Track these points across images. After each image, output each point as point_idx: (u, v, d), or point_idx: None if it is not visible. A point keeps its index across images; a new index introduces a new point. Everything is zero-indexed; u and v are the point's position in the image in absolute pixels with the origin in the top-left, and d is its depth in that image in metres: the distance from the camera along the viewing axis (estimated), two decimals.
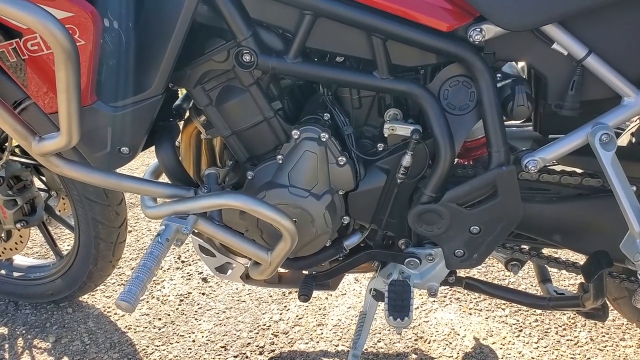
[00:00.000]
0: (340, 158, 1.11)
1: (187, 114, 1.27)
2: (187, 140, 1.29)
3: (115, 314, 1.73)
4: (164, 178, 1.24)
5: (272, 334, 1.60)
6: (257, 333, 1.61)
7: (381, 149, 1.14)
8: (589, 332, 1.58)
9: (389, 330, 1.59)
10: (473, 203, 1.10)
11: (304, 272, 1.34)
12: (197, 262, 1.96)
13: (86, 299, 1.80)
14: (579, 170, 1.15)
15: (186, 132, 1.28)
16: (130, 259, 2.01)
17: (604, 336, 1.57)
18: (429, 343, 1.55)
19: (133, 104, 1.03)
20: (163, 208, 1.08)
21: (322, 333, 1.60)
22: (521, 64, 1.25)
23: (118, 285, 1.88)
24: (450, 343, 1.54)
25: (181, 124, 1.27)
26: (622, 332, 1.58)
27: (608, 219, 1.08)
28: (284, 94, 1.16)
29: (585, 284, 1.24)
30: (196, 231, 1.13)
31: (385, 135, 1.11)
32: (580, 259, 1.75)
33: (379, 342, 1.55)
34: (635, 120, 1.23)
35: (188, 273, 1.93)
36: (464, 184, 1.08)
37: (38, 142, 1.00)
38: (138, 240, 2.13)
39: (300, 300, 1.21)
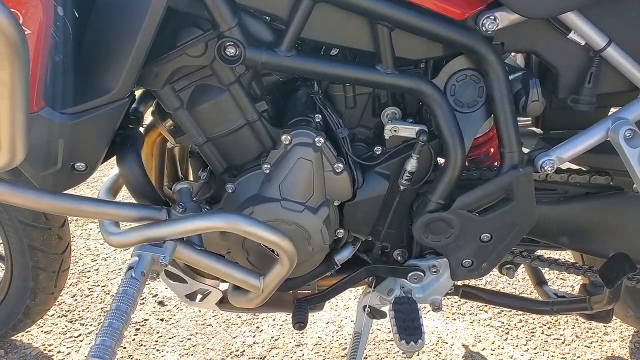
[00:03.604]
0: (337, 165, 0.98)
1: (150, 118, 1.08)
2: (149, 150, 1.11)
3: (58, 352, 1.49)
4: (123, 196, 1.04)
5: None
6: None
7: (379, 152, 1.02)
8: (573, 328, 1.55)
9: (374, 344, 1.48)
10: (484, 209, 1.01)
11: (289, 292, 1.20)
12: (149, 283, 1.74)
13: (20, 338, 1.53)
14: (584, 168, 1.09)
15: (148, 140, 1.10)
16: (70, 284, 1.76)
17: (587, 332, 1.55)
18: (418, 355, 1.45)
19: (91, 110, 0.83)
20: (133, 234, 0.90)
21: (302, 355, 1.45)
22: (520, 55, 1.18)
23: (58, 317, 1.62)
24: (440, 353, 1.46)
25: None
26: (604, 326, 1.56)
27: (625, 218, 1.03)
28: (266, 93, 1.01)
29: (588, 285, 1.20)
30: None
31: (386, 137, 0.99)
32: (571, 257, 1.73)
33: (366, 358, 1.44)
34: None
35: (140, 296, 1.71)
36: (477, 188, 0.98)
37: None
38: (77, 262, 1.87)
39: (295, 329, 1.06)
